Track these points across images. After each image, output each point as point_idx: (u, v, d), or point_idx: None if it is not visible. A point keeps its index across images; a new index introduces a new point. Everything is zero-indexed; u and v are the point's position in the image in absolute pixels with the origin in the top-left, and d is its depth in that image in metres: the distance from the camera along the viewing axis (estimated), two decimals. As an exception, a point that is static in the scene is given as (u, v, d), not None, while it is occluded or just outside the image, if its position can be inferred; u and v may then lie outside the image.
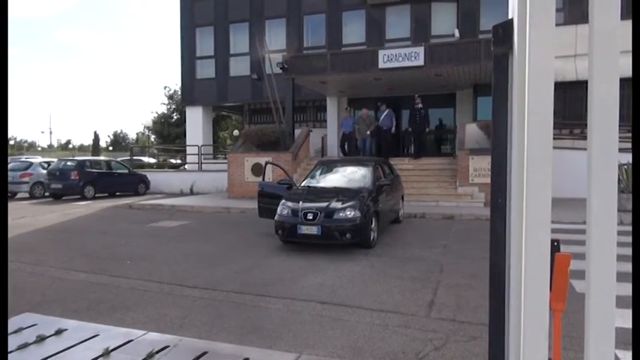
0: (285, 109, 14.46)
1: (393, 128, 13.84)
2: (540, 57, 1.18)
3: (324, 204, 6.74)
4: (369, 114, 14.47)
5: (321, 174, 8.50)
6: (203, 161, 18.73)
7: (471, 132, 12.81)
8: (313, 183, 8.10)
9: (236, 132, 26.22)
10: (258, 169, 13.31)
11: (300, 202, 6.83)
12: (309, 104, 19.31)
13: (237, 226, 9.34)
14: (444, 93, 15.85)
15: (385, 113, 13.80)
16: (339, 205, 6.71)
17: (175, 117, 33.94)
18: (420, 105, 13.47)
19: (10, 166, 16.18)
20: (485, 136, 12.12)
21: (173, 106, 33.97)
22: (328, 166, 8.94)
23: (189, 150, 20.38)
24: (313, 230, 6.51)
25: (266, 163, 8.91)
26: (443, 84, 14.66)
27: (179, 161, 25.02)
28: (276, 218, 6.91)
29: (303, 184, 8.07)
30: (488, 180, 10.61)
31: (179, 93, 29.81)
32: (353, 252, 6.60)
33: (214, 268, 5.92)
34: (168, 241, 7.91)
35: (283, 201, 7.07)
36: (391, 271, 5.61)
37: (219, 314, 4.15)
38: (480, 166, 11.64)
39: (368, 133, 13.87)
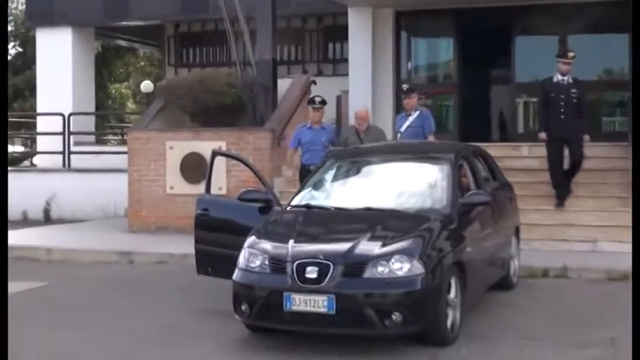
0: (255, 34, 14.54)
1: None
2: None
3: (344, 246, 6.80)
4: (372, 123, 12.93)
5: (335, 179, 8.62)
6: (74, 149, 18.81)
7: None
8: (319, 199, 8.22)
9: (147, 84, 26.36)
10: (195, 168, 13.33)
11: (290, 242, 6.90)
12: (308, 25, 19.40)
13: (149, 296, 9.39)
14: (605, 1, 15.88)
15: (413, 117, 12.56)
16: (375, 248, 6.74)
17: (13, 52, 34.21)
18: (570, 79, 12.64)
19: None
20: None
21: (9, 29, 34.27)
22: (352, 163, 9.00)
23: (42, 124, 20.55)
24: (319, 305, 6.49)
25: (214, 154, 8.91)
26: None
27: (21, 149, 25.18)
28: (236, 277, 6.96)
29: (296, 202, 8.18)
30: None
31: (20, 1, 30.03)
32: (406, 354, 6.63)
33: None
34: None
35: (253, 239, 7.16)
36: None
37: None
38: (688, 164, 11.64)
39: None
